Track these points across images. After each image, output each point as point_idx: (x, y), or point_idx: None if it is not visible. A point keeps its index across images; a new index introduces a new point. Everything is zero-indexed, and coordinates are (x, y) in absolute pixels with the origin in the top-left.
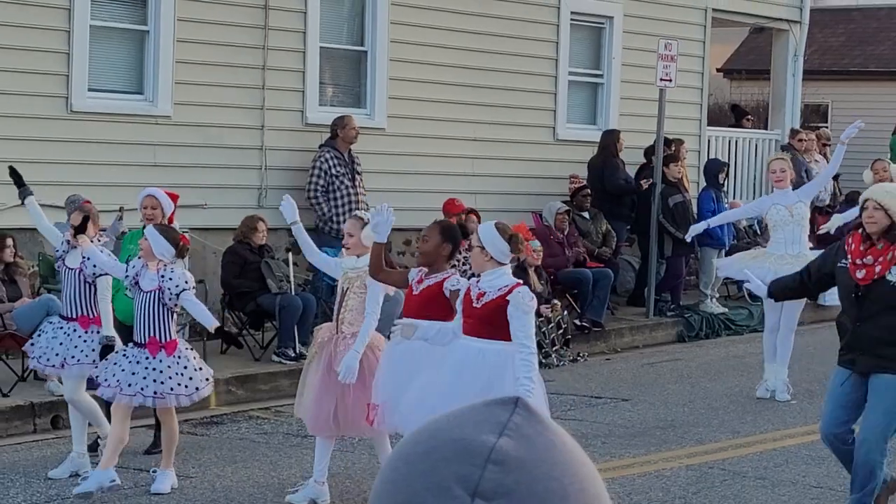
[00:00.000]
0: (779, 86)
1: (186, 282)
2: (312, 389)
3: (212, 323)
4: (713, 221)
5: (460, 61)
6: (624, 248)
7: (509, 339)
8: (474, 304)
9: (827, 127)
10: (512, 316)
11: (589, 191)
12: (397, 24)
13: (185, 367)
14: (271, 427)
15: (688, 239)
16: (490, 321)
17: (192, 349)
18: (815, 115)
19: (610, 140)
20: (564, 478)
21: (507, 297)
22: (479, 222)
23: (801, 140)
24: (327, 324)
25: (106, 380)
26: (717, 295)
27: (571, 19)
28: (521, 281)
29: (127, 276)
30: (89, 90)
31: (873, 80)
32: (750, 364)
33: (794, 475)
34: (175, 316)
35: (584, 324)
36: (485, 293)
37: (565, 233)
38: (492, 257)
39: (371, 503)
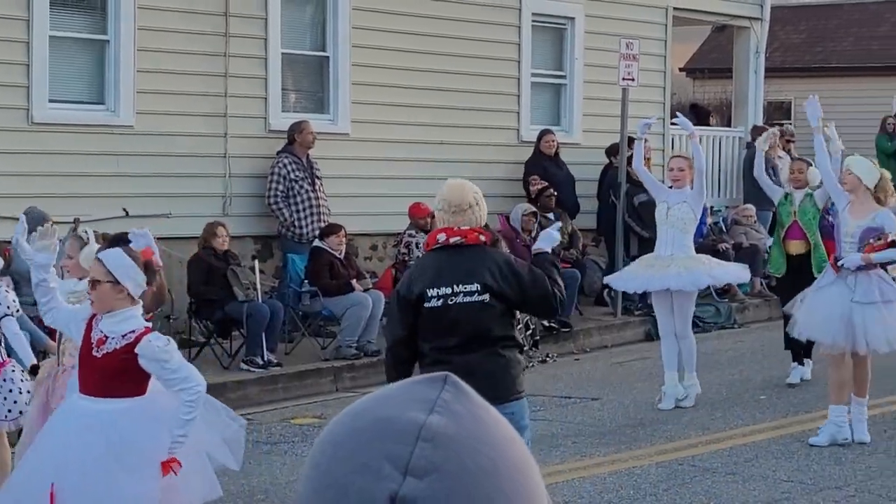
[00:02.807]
0: (741, 83)
1: (8, 307)
2: (28, 433)
3: (28, 363)
4: None
5: (423, 65)
6: (590, 248)
7: (141, 394)
8: (94, 353)
9: (790, 124)
10: (150, 369)
11: (552, 191)
12: (359, 28)
13: (10, 391)
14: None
15: None
16: (113, 375)
17: (21, 370)
18: (777, 112)
19: (540, 140)
20: (495, 453)
21: (136, 350)
22: None
23: (769, 136)
24: (48, 360)
25: None
26: None
27: (533, 21)
28: (149, 325)
29: None
30: (50, 101)
31: (835, 77)
32: (718, 361)
33: (764, 470)
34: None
35: (553, 325)
36: (107, 339)
37: (532, 234)
38: (128, 293)
39: (300, 487)
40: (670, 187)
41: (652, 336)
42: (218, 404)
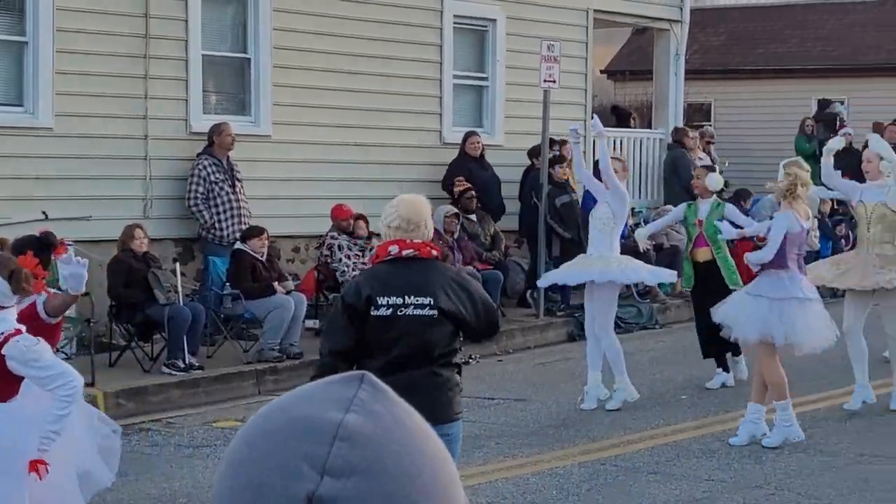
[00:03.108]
0: (661, 85)
1: None
2: None
3: None
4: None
5: (345, 66)
6: (513, 249)
7: (12, 395)
8: None
9: (710, 125)
10: (20, 371)
11: (474, 193)
12: (280, 30)
13: None
14: (162, 439)
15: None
16: None
17: None
18: (697, 113)
19: (465, 142)
20: (413, 452)
21: (2, 352)
22: (368, 227)
23: (692, 138)
24: None
25: None
26: None
27: (454, 23)
28: (20, 327)
29: None
30: None
31: (754, 79)
32: (640, 361)
33: (685, 469)
34: None
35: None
36: None
37: (455, 236)
38: None
39: (216, 487)
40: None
41: (574, 337)
42: (93, 410)
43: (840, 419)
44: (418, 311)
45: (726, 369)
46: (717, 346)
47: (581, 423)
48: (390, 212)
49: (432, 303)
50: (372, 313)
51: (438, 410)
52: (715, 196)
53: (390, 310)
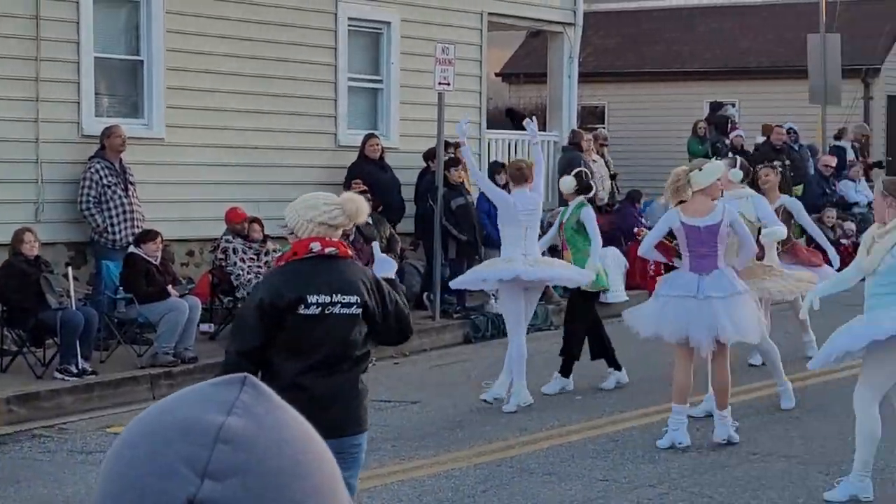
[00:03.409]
0: (555, 88)
1: None
2: None
3: None
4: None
5: (239, 69)
6: (408, 252)
7: None
8: None
9: (604, 128)
10: None
11: (370, 195)
12: (173, 32)
13: None
14: (55, 445)
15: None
16: None
17: None
18: (591, 116)
19: (364, 144)
20: (296, 455)
21: None
22: (263, 230)
23: (587, 140)
24: None
25: None
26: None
27: (349, 25)
28: None
29: None
30: None
31: (648, 81)
32: (536, 363)
33: (580, 469)
34: None
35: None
36: None
37: (350, 238)
38: None
39: (97, 490)
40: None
41: (471, 339)
42: None
43: (733, 417)
44: (345, 311)
45: (618, 368)
46: (599, 347)
47: (477, 425)
48: (328, 208)
49: (358, 301)
50: (300, 312)
51: (354, 420)
52: (581, 198)
53: (319, 308)
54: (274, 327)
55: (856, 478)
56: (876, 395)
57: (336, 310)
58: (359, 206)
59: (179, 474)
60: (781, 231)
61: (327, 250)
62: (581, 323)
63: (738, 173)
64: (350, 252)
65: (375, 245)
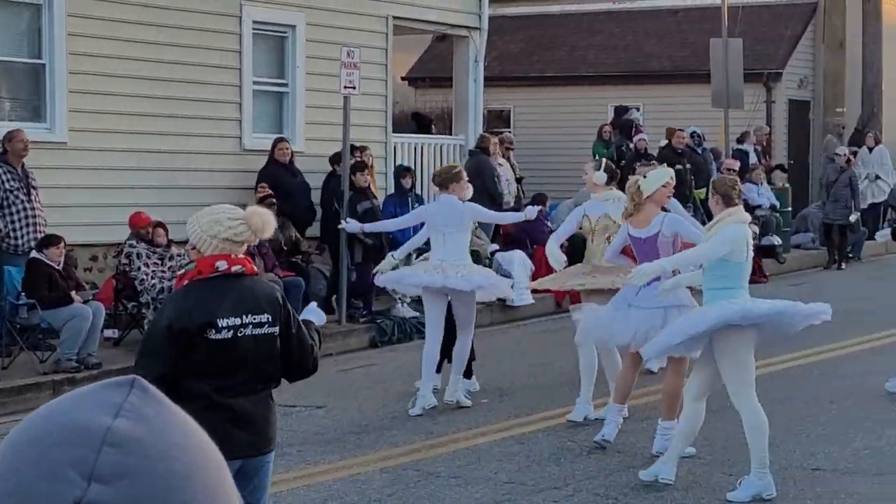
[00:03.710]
0: (461, 92)
1: None
2: None
3: None
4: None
5: (143, 73)
6: (314, 256)
7: None
8: None
9: (510, 131)
10: None
11: (274, 200)
12: (75, 36)
13: None
14: None
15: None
16: None
17: None
18: (497, 120)
19: (274, 148)
20: (186, 457)
21: None
22: (167, 235)
23: (493, 144)
24: None
25: None
26: (409, 299)
27: (254, 29)
28: None
29: None
30: None
31: (553, 85)
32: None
33: (486, 472)
34: None
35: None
36: None
37: (255, 242)
38: None
39: None
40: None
41: (377, 343)
42: None
43: (638, 419)
44: (258, 331)
45: (468, 376)
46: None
47: (383, 429)
48: (233, 223)
49: (270, 320)
50: (210, 337)
51: (266, 439)
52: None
53: (231, 332)
54: (184, 350)
55: (756, 476)
56: (748, 390)
57: (248, 331)
58: (264, 220)
59: (66, 477)
60: None
61: (234, 269)
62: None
63: (602, 175)
64: (256, 268)
65: (313, 304)
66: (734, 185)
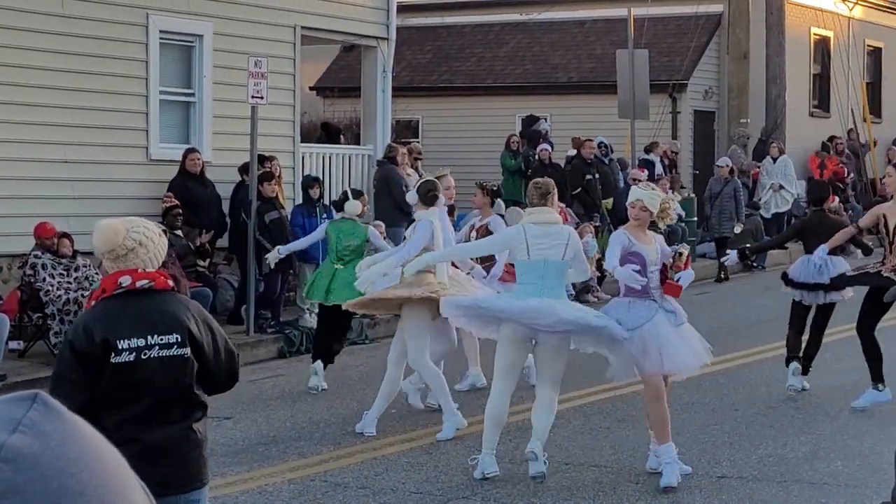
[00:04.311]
0: (369, 102)
1: None
2: None
3: None
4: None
5: (48, 82)
6: (223, 266)
7: None
8: None
9: (418, 142)
10: None
11: (181, 210)
12: None
13: None
14: None
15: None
16: None
17: None
18: (406, 130)
19: (185, 159)
20: (82, 473)
21: None
22: (73, 245)
23: (401, 154)
24: None
25: None
26: (316, 310)
27: (161, 38)
28: None
29: None
30: None
31: (461, 96)
32: (349, 377)
33: (394, 482)
34: None
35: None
36: None
37: (172, 257)
38: None
39: None
40: None
41: (285, 353)
42: None
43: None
44: (165, 352)
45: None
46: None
47: (290, 440)
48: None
49: (180, 340)
50: (112, 360)
51: (190, 475)
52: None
53: (133, 354)
54: (94, 375)
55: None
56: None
57: (154, 353)
58: (102, 234)
59: None
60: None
61: (139, 283)
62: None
63: (413, 196)
64: (170, 283)
65: None
66: (541, 188)
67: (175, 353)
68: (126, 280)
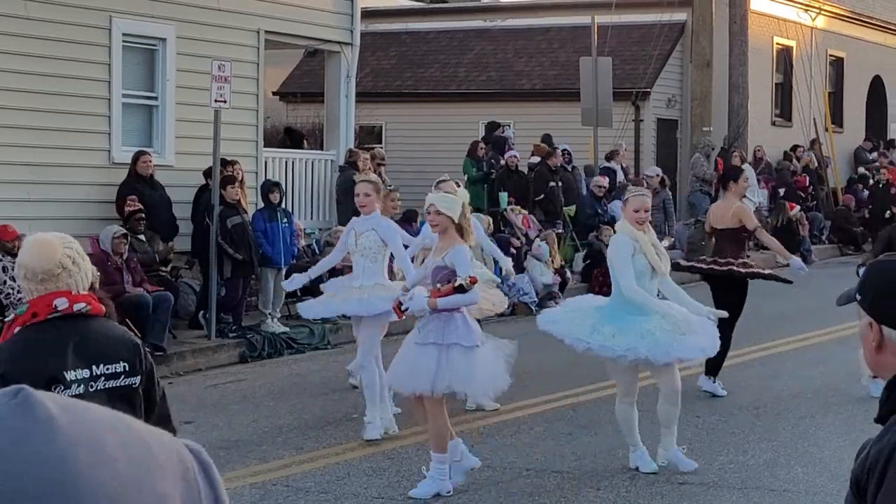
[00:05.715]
0: (332, 107)
1: None
2: None
3: None
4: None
5: (10, 85)
6: (184, 270)
7: None
8: None
9: (381, 147)
10: None
11: (143, 214)
12: None
13: None
14: None
15: (288, 288)
16: None
17: None
18: (369, 136)
19: (135, 162)
20: (41, 474)
21: None
22: None
23: (364, 159)
24: None
25: None
26: (279, 315)
27: (124, 41)
28: None
29: None
30: None
31: (424, 102)
32: (312, 382)
33: (356, 487)
34: None
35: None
36: None
37: (124, 257)
38: None
39: None
40: (357, 214)
41: (247, 358)
42: None
43: (508, 434)
44: (112, 383)
45: None
46: None
47: (252, 445)
48: (17, 259)
49: (127, 369)
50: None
51: None
52: None
53: (82, 386)
54: None
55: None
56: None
57: (101, 384)
58: (34, 252)
59: None
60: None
61: (76, 307)
62: None
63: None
64: (103, 308)
65: None
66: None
67: (123, 383)
68: (62, 303)
